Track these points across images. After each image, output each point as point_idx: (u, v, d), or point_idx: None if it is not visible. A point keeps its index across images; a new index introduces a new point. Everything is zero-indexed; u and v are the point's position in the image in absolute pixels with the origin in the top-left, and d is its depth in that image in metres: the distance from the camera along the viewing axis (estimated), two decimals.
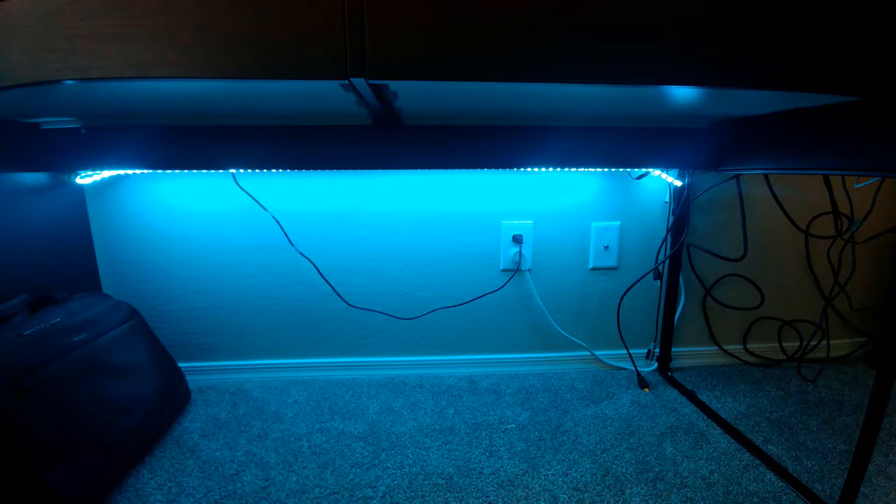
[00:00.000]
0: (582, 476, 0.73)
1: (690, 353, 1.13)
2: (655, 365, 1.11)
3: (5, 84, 0.39)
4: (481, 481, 0.72)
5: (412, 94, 0.61)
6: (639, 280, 1.05)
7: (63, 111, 0.72)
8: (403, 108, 0.75)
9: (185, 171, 0.81)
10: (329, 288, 1.02)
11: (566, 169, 0.88)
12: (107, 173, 0.91)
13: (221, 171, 0.90)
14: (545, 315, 1.08)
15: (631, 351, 1.09)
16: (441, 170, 0.97)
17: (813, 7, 0.40)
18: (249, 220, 0.98)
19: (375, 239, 1.01)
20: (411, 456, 0.78)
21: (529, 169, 0.86)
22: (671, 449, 0.80)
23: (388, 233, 1.01)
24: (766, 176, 0.97)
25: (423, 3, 0.37)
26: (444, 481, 0.72)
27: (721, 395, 0.98)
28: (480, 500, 0.68)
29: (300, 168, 0.82)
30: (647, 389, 1.00)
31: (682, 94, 0.60)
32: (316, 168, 0.82)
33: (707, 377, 1.06)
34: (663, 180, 1.01)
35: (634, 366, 1.08)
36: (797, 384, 1.02)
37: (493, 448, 0.80)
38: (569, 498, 0.69)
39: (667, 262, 1.05)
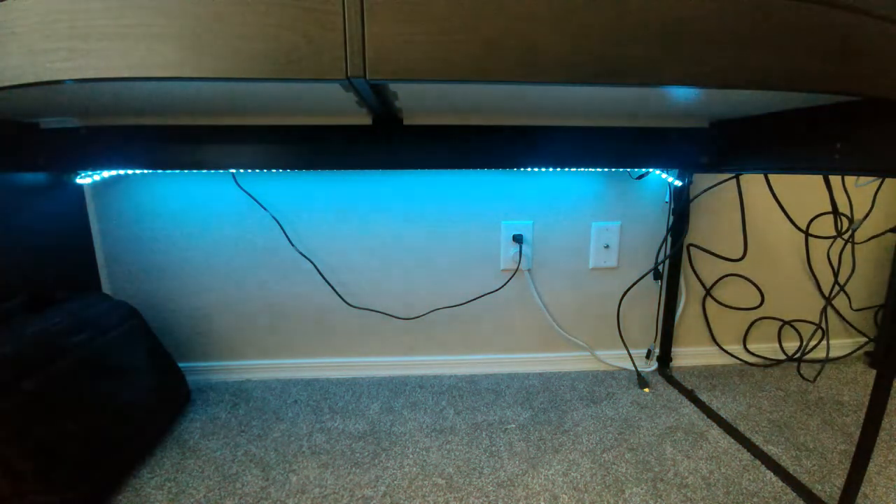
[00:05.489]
0: (582, 476, 0.73)
1: (690, 353, 1.13)
2: (655, 365, 1.11)
3: (5, 84, 0.39)
4: (481, 481, 0.72)
5: (412, 94, 0.61)
6: (639, 280, 1.06)
7: (63, 111, 0.72)
8: (403, 108, 0.75)
9: (185, 170, 0.81)
10: (329, 288, 1.02)
11: (566, 169, 0.88)
12: (107, 173, 0.91)
13: (221, 170, 0.90)
14: (545, 315, 1.08)
15: (631, 351, 1.09)
16: (441, 170, 0.97)
17: (812, 7, 0.40)
18: (249, 219, 0.98)
19: (375, 239, 1.01)
20: (411, 456, 0.78)
21: (529, 169, 0.86)
22: (671, 449, 0.80)
23: (388, 233, 1.01)
24: (766, 176, 0.97)
25: (424, 3, 0.37)
26: (444, 481, 0.72)
27: (721, 395, 0.98)
28: (480, 500, 0.68)
29: (300, 168, 0.83)
30: (647, 389, 1.00)
31: (683, 94, 0.60)
32: (316, 168, 0.82)
33: (707, 377, 1.06)
34: (663, 180, 1.01)
35: (634, 366, 1.08)
36: (797, 384, 1.02)
37: (494, 448, 0.80)
38: (569, 498, 0.69)
39: (667, 262, 1.05)
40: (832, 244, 1.07)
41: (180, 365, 0.93)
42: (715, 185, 1.01)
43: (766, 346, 1.14)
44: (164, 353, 0.89)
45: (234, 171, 0.94)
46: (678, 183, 0.98)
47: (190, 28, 0.37)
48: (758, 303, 1.10)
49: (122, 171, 0.87)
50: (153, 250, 0.98)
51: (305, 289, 1.02)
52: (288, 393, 0.99)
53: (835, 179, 0.96)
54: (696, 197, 1.02)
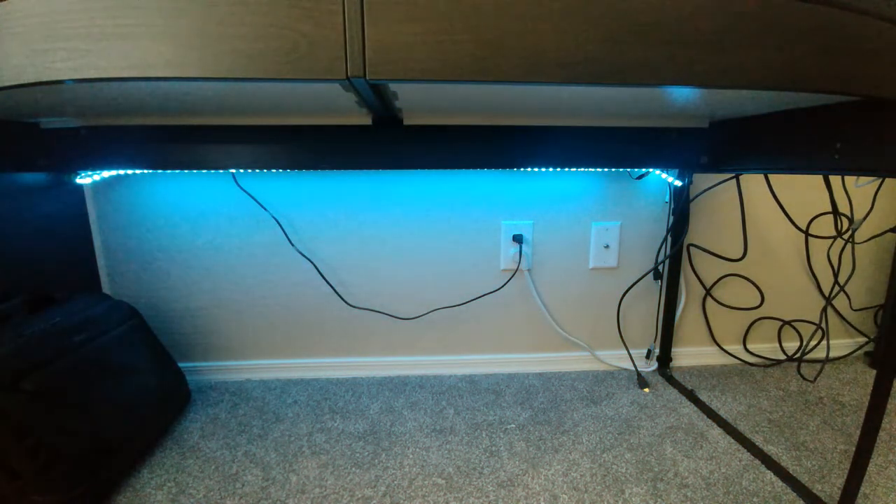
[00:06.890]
0: (582, 476, 0.73)
1: (690, 353, 1.13)
2: (655, 365, 1.11)
3: (5, 84, 0.39)
4: (481, 481, 0.72)
5: (412, 94, 0.61)
6: (639, 280, 1.06)
7: (63, 111, 0.72)
8: (403, 108, 0.75)
9: (185, 170, 0.81)
10: (329, 288, 1.02)
11: (566, 169, 0.88)
12: (107, 173, 0.91)
13: (221, 171, 0.90)
14: (545, 315, 1.08)
15: (631, 351, 1.09)
16: (441, 170, 0.97)
17: (811, 7, 0.40)
18: (249, 219, 0.98)
19: (375, 239, 1.01)
20: (411, 456, 0.78)
21: (529, 169, 0.86)
22: (671, 449, 0.80)
23: (388, 233, 1.01)
24: (766, 176, 0.97)
25: (424, 2, 0.37)
26: (444, 481, 0.72)
27: (721, 395, 0.98)
28: (480, 500, 0.68)
29: (300, 168, 0.83)
30: (647, 389, 1.00)
31: (683, 94, 0.60)
32: (316, 168, 0.82)
33: (707, 377, 1.06)
34: (663, 180, 1.01)
35: (634, 366, 1.08)
36: (797, 384, 1.02)
37: (493, 448, 0.80)
38: (569, 498, 0.69)
39: (667, 262, 1.05)
40: (832, 244, 1.07)
41: (180, 365, 0.93)
42: (715, 185, 1.01)
43: (766, 346, 1.14)
44: (164, 352, 0.89)
45: (234, 171, 0.94)
46: (678, 183, 0.98)
47: (190, 28, 0.37)
48: (758, 303, 1.10)
49: (122, 171, 0.87)
50: (153, 250, 0.98)
51: (305, 289, 1.02)
52: (288, 393, 0.99)
53: (835, 179, 0.96)
54: (696, 197, 1.02)
